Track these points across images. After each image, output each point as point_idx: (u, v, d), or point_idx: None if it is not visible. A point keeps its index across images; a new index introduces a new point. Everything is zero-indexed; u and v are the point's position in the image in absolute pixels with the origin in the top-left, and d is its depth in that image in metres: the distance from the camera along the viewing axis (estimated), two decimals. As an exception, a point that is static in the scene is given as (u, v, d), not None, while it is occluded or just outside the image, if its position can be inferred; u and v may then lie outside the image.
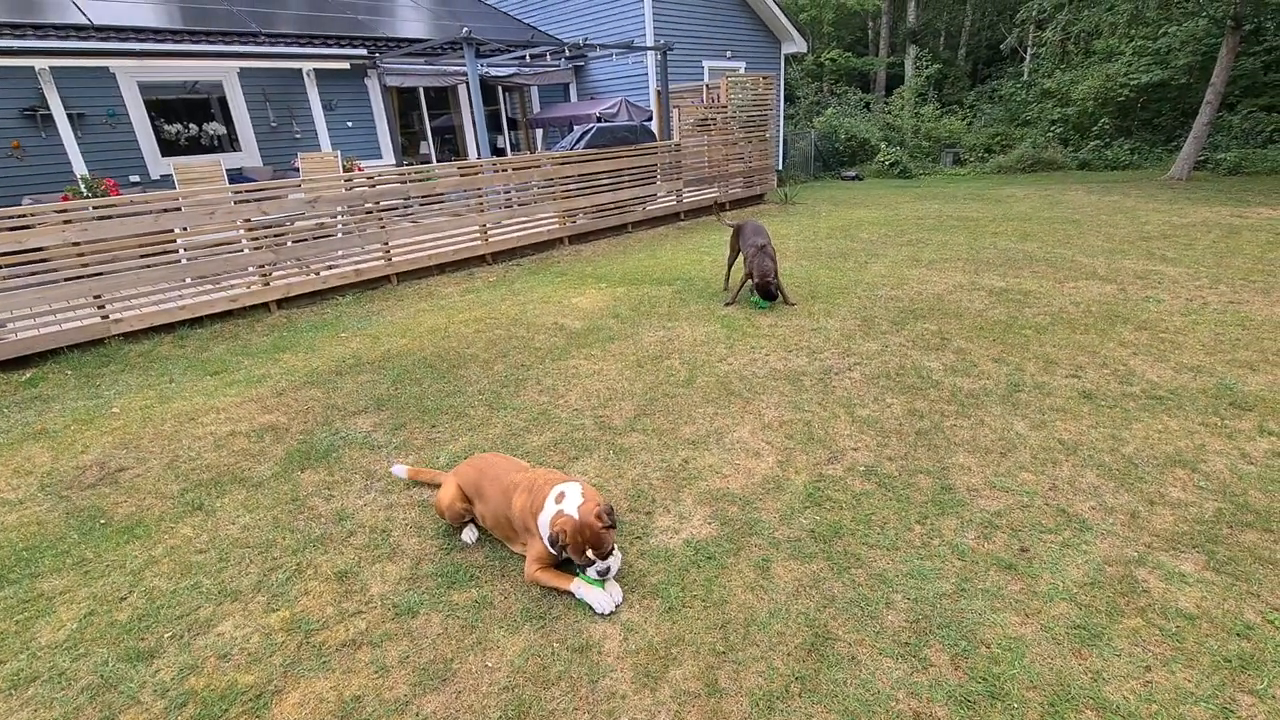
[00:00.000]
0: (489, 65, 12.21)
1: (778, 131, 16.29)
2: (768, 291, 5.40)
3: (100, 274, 5.39)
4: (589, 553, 2.22)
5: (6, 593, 2.56)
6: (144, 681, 2.08)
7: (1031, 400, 3.58)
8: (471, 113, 11.68)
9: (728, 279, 6.20)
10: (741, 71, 14.52)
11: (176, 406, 4.28)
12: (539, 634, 2.16)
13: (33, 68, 7.86)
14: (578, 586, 2.28)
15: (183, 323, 5.90)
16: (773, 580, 2.33)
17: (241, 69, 10.16)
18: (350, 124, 11.62)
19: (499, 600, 2.33)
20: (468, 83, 10.11)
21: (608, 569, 2.28)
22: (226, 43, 9.61)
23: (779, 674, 1.94)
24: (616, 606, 2.24)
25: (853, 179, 16.97)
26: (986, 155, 18.35)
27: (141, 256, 5.65)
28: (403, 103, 12.64)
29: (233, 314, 6.19)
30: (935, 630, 2.06)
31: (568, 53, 11.44)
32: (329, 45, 10.23)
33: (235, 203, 6.14)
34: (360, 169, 9.47)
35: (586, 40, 10.72)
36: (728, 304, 5.67)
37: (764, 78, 11.10)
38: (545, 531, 2.31)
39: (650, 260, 7.83)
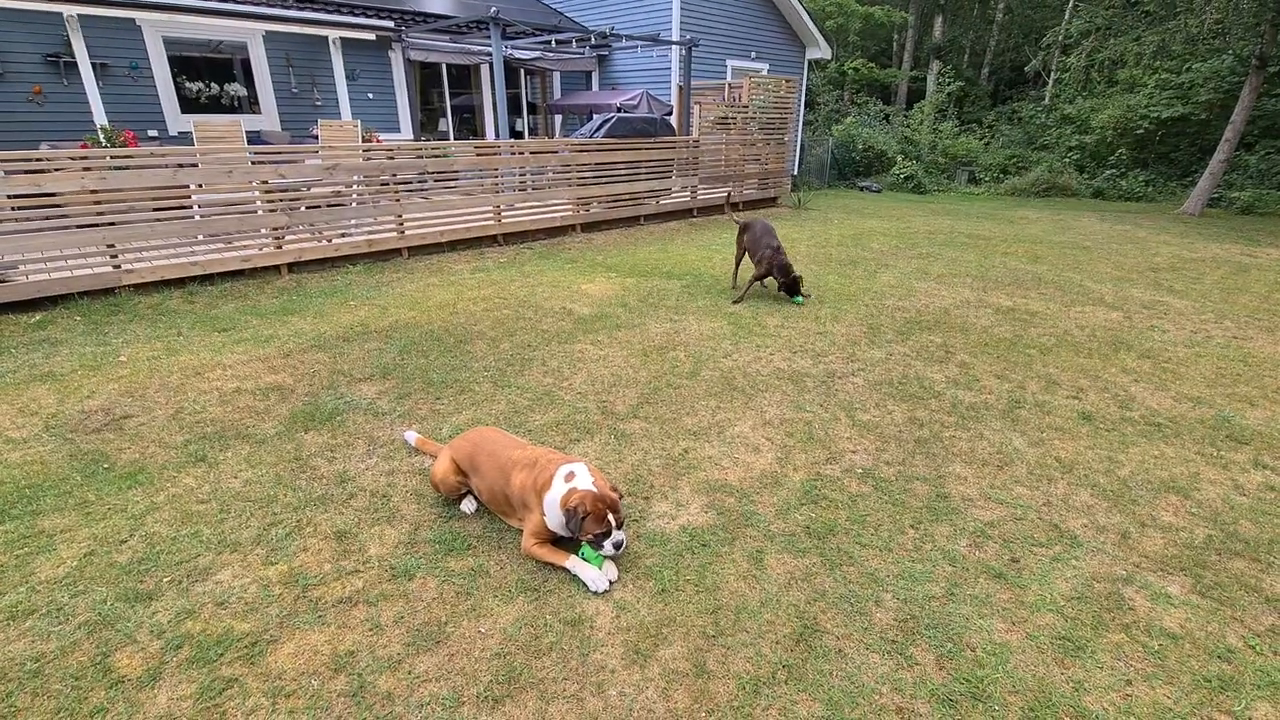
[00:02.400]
0: (513, 47, 12.19)
1: (796, 136, 16.29)
2: (796, 288, 5.60)
3: (114, 224, 5.40)
4: (611, 518, 2.26)
5: (8, 527, 2.59)
6: (141, 622, 2.11)
7: (1031, 418, 3.61)
8: (493, 93, 11.67)
9: (735, 277, 6.22)
10: (764, 73, 14.51)
11: (183, 360, 4.30)
12: (532, 605, 2.19)
13: (60, 14, 7.83)
14: (574, 563, 2.32)
15: (194, 278, 5.91)
16: (765, 571, 2.37)
17: (267, 32, 10.12)
18: (371, 95, 11.59)
19: (494, 570, 2.37)
20: (491, 63, 10.09)
21: (622, 541, 2.32)
22: (255, 4, 9.58)
23: (766, 661, 1.98)
24: (610, 585, 2.28)
25: (872, 190, 16.93)
26: (1002, 176, 18.34)
27: (155, 210, 5.66)
28: (425, 78, 12.61)
29: (243, 274, 6.21)
30: (922, 631, 2.10)
31: (593, 41, 11.42)
32: (356, 14, 10.21)
33: (252, 163, 6.14)
34: (378, 140, 9.47)
35: (613, 30, 10.70)
36: (735, 302, 5.70)
37: (786, 81, 11.10)
38: (552, 510, 2.34)
39: (661, 253, 7.85)
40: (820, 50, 15.52)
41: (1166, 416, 3.65)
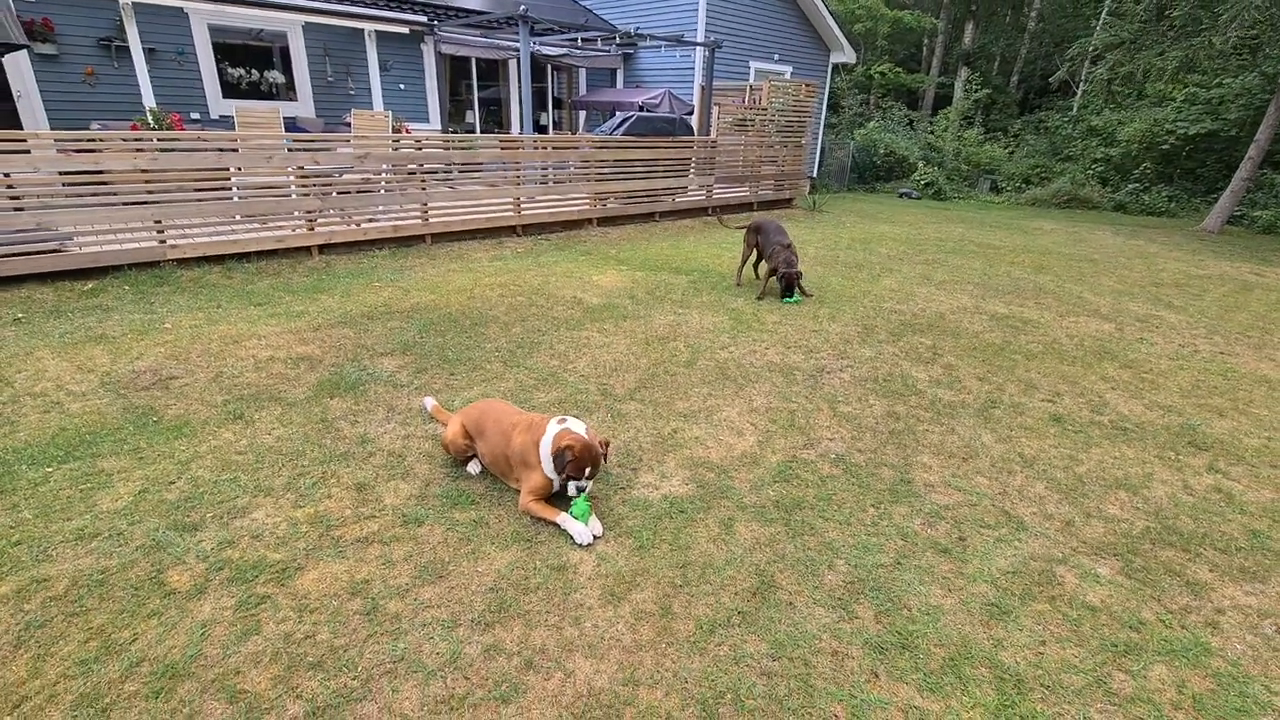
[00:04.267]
0: (541, 43, 12.50)
1: (816, 139, 16.43)
2: (792, 287, 5.82)
3: (160, 201, 5.80)
4: (586, 470, 2.57)
5: (72, 466, 2.95)
6: (188, 548, 2.45)
7: (1004, 417, 3.84)
8: (519, 88, 11.99)
9: (740, 274, 6.47)
10: (788, 76, 14.66)
11: (223, 329, 4.68)
12: (525, 552, 2.50)
13: (117, 1, 8.29)
14: (564, 519, 2.62)
15: (232, 255, 6.31)
16: (734, 536, 2.65)
17: (306, 23, 10.55)
18: (403, 86, 11.98)
19: (493, 522, 2.68)
20: (518, 58, 10.41)
21: (585, 488, 2.63)
22: (296, -5, 9.98)
23: (724, 608, 2.26)
24: (595, 539, 2.57)
25: (911, 197, 16.81)
26: (1024, 186, 18.31)
27: (197, 190, 6.05)
28: (454, 71, 12.97)
29: (278, 253, 6.59)
30: (867, 592, 2.37)
31: (618, 40, 11.68)
32: (391, 8, 10.57)
33: (289, 150, 6.52)
34: (408, 131, 9.84)
35: (637, 29, 10.96)
36: (759, 297, 5.96)
37: (806, 84, 11.28)
38: (547, 452, 2.64)
39: (672, 250, 8.12)
40: (845, 54, 15.63)
41: (1134, 422, 3.86)
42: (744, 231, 6.44)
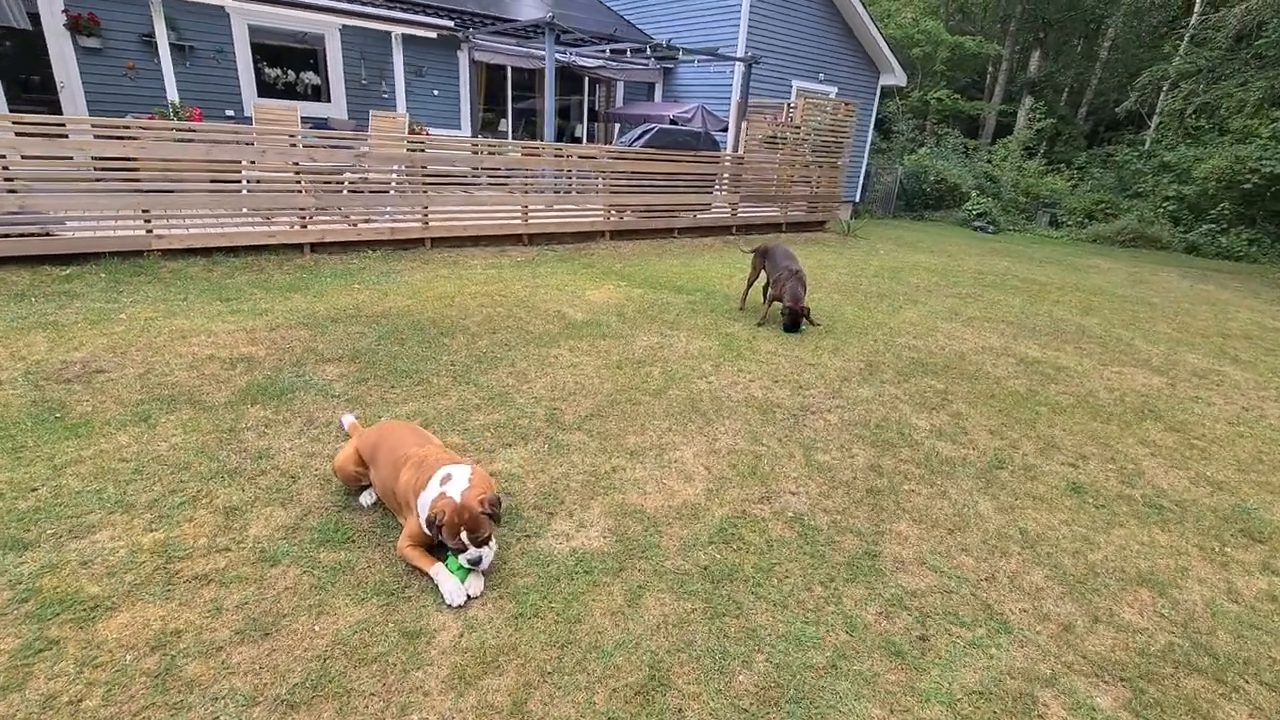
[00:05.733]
0: (578, 55, 12.35)
1: (862, 162, 15.78)
2: (797, 322, 5.30)
3: (147, 191, 5.71)
4: (463, 535, 2.13)
5: (-58, 462, 2.70)
6: (5, 569, 2.13)
7: (1011, 482, 3.24)
8: (545, 97, 11.86)
9: (744, 297, 5.99)
10: (831, 96, 14.12)
11: (176, 324, 4.48)
12: (381, 609, 2.09)
13: (156, -2, 8.47)
14: (437, 571, 2.20)
15: (220, 249, 6.19)
16: (638, 610, 2.18)
17: (343, 26, 10.66)
18: (436, 92, 11.98)
19: (362, 567, 2.28)
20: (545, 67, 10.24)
21: (479, 558, 2.18)
22: (328, -2, 10.07)
23: (593, 711, 1.79)
24: (468, 599, 2.15)
25: (987, 232, 15.75)
26: (1086, 221, 17.16)
27: (184, 181, 5.97)
28: (491, 80, 12.95)
29: (268, 249, 6.46)
30: (783, 704, 1.86)
31: (647, 51, 11.42)
32: (417, 11, 10.58)
33: (290, 145, 6.41)
34: (426, 134, 9.75)
35: (669, 42, 10.66)
36: (758, 324, 5.46)
37: (845, 104, 10.75)
38: (424, 512, 2.24)
39: (682, 267, 7.69)
40: (895, 77, 15.00)
41: (1174, 499, 3.21)
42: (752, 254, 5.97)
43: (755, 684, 1.92)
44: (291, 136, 6.46)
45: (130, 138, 5.53)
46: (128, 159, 5.45)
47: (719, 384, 4.20)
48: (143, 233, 5.75)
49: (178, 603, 2.06)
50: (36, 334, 4.10)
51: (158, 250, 5.83)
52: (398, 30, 9.75)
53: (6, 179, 5.31)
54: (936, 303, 6.99)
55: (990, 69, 26.26)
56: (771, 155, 10.13)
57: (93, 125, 5.77)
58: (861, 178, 16.12)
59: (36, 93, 9.47)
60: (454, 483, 2.23)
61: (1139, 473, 3.45)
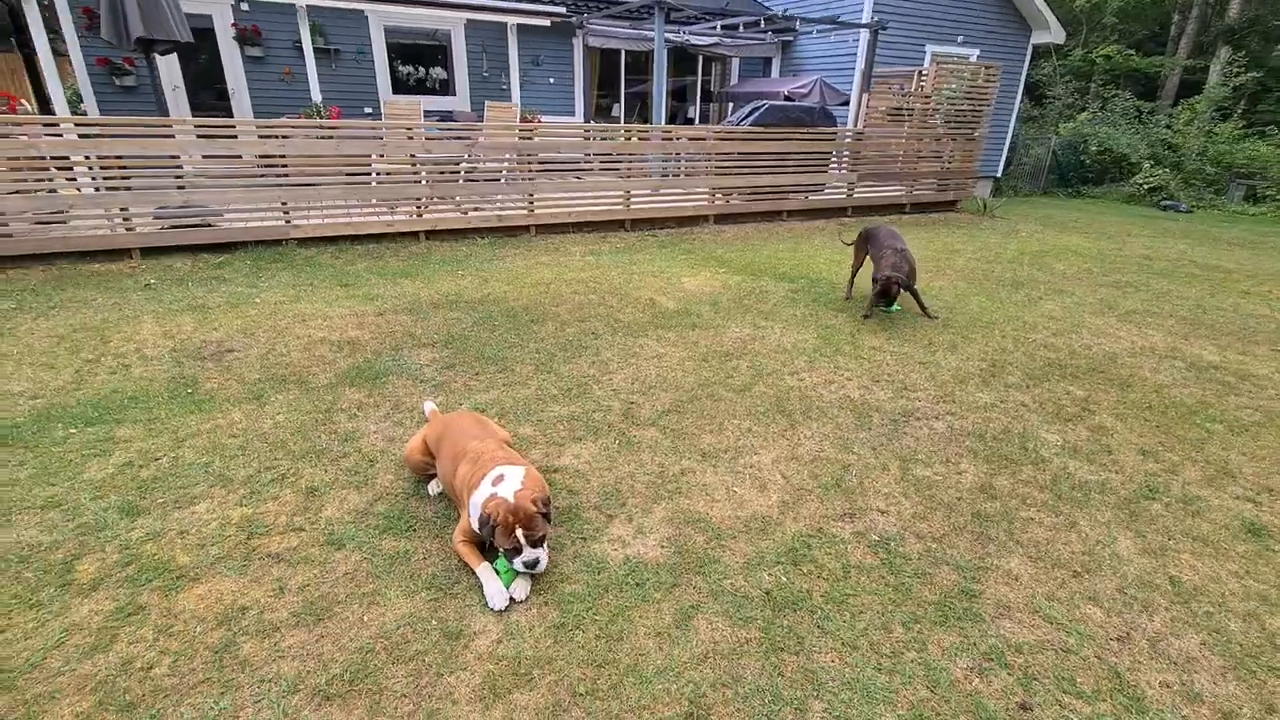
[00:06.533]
0: (690, 33, 12.04)
1: (1006, 133, 14.13)
2: (888, 293, 4.80)
3: (284, 185, 6.25)
4: (518, 534, 2.08)
5: (94, 430, 3.08)
6: (119, 534, 2.37)
7: (1164, 516, 2.68)
8: (657, 78, 11.68)
9: (850, 286, 5.51)
10: (972, 60, 12.71)
11: (300, 307, 4.86)
12: (428, 604, 2.08)
13: (303, 6, 9.27)
14: (484, 571, 2.16)
15: (346, 237, 6.68)
16: (687, 634, 2.01)
17: (468, 20, 11.12)
18: (552, 80, 12.21)
19: (419, 558, 2.30)
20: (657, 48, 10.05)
21: (535, 560, 2.12)
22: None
23: (622, 742, 1.66)
24: (512, 603, 2.09)
25: (1180, 210, 13.67)
26: (1297, 195, 14.26)
27: (329, 176, 6.47)
28: (605, 65, 12.98)
29: (388, 237, 6.88)
30: (839, 764, 1.62)
31: (762, 25, 10.84)
32: (530, 1, 10.74)
33: (409, 139, 6.75)
34: (539, 122, 9.94)
35: (786, 11, 10.05)
36: (865, 316, 4.99)
37: (986, 68, 9.60)
38: (475, 512, 2.21)
39: (788, 253, 7.26)
40: (1051, 34, 13.20)
41: (1402, 555, 2.49)
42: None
43: (808, 736, 1.69)
44: (409, 130, 6.80)
45: (280, 136, 6.07)
46: (274, 156, 5.99)
47: (811, 382, 3.87)
48: (282, 223, 6.32)
49: (249, 579, 2.17)
50: (186, 316, 4.61)
51: (294, 239, 6.39)
52: (513, 20, 10.00)
53: (177, 177, 6.05)
54: (1086, 293, 6.06)
55: (1176, 17, 22.49)
56: (896, 129, 9.28)
57: (257, 126, 6.40)
58: (1005, 150, 14.44)
59: (220, 100, 10.71)
60: (506, 483, 2.17)
61: (1351, 516, 2.73)
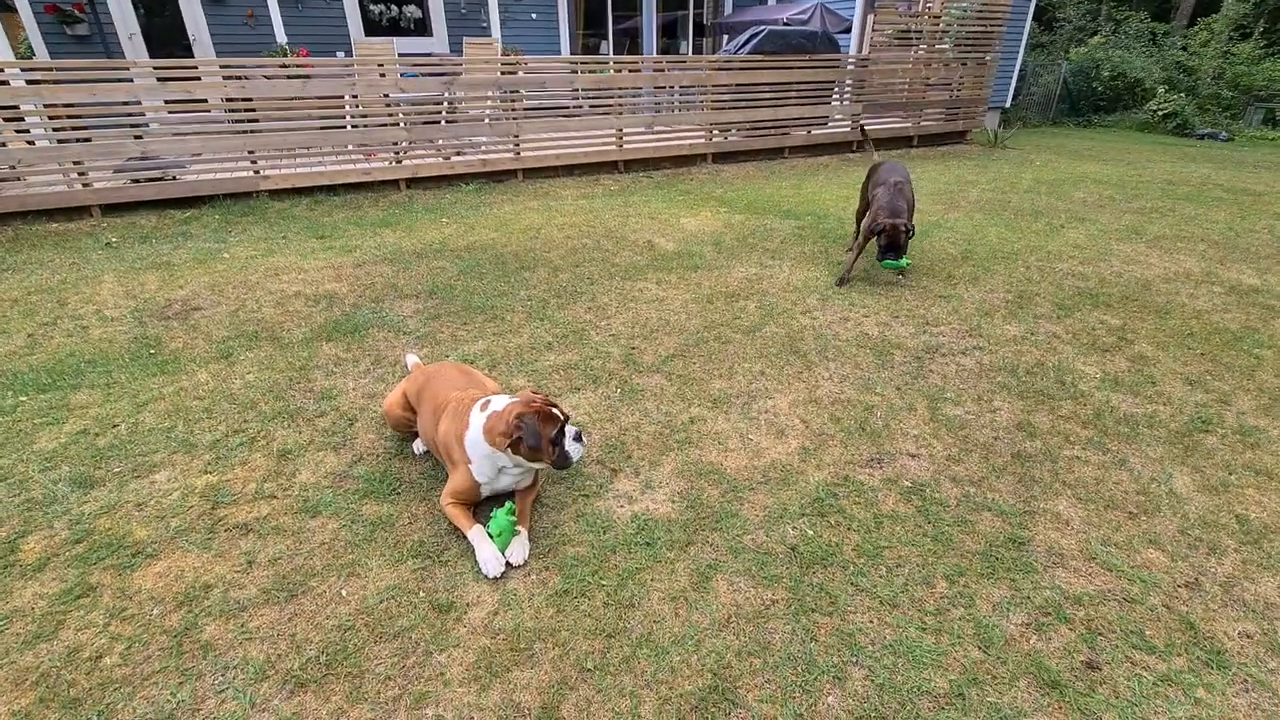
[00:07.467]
0: (680, -41, 11.24)
1: (1015, 60, 13.42)
2: (897, 242, 3.90)
3: (252, 132, 5.82)
4: (555, 411, 1.93)
5: (47, 396, 2.81)
6: (70, 508, 2.13)
7: (1221, 449, 2.45)
8: (646, 13, 10.98)
9: (857, 233, 5.14)
10: (982, -21, 11.93)
11: (273, 261, 4.53)
12: (415, 574, 1.86)
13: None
14: (476, 535, 1.93)
15: (320, 188, 6.27)
16: (706, 597, 1.79)
17: (440, -49, 10.36)
18: (534, 16, 11.48)
19: (403, 523, 2.07)
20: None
21: (579, 434, 1.98)
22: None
23: (638, 724, 1.45)
24: (509, 568, 1.87)
25: (1220, 139, 12.87)
26: (1319, 117, 13.68)
27: (297, 121, 6.02)
28: (591, 0, 12.21)
29: (366, 186, 6.47)
30: (887, 740, 1.42)
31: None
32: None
33: (380, 76, 6.26)
34: (525, 61, 9.34)
35: (785, -73, 9.30)
36: (840, 281, 4.18)
37: (1000, -17, 8.96)
38: (478, 452, 1.96)
39: (791, 191, 6.87)
40: (1065, -53, 12.36)
41: None
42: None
43: (848, 709, 1.48)
44: (380, 66, 6.31)
45: (242, 77, 5.61)
46: (238, 100, 5.54)
47: (824, 320, 3.59)
48: (251, 174, 5.91)
49: (214, 553, 1.94)
50: (150, 274, 4.29)
51: (265, 191, 5.99)
52: (489, -53, 9.24)
53: (134, 126, 5.62)
54: (1110, 220, 5.71)
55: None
56: (903, 54, 8.72)
57: (220, 66, 5.90)
58: (1014, 79, 13.76)
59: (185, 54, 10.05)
60: (496, 400, 1.99)
61: None
